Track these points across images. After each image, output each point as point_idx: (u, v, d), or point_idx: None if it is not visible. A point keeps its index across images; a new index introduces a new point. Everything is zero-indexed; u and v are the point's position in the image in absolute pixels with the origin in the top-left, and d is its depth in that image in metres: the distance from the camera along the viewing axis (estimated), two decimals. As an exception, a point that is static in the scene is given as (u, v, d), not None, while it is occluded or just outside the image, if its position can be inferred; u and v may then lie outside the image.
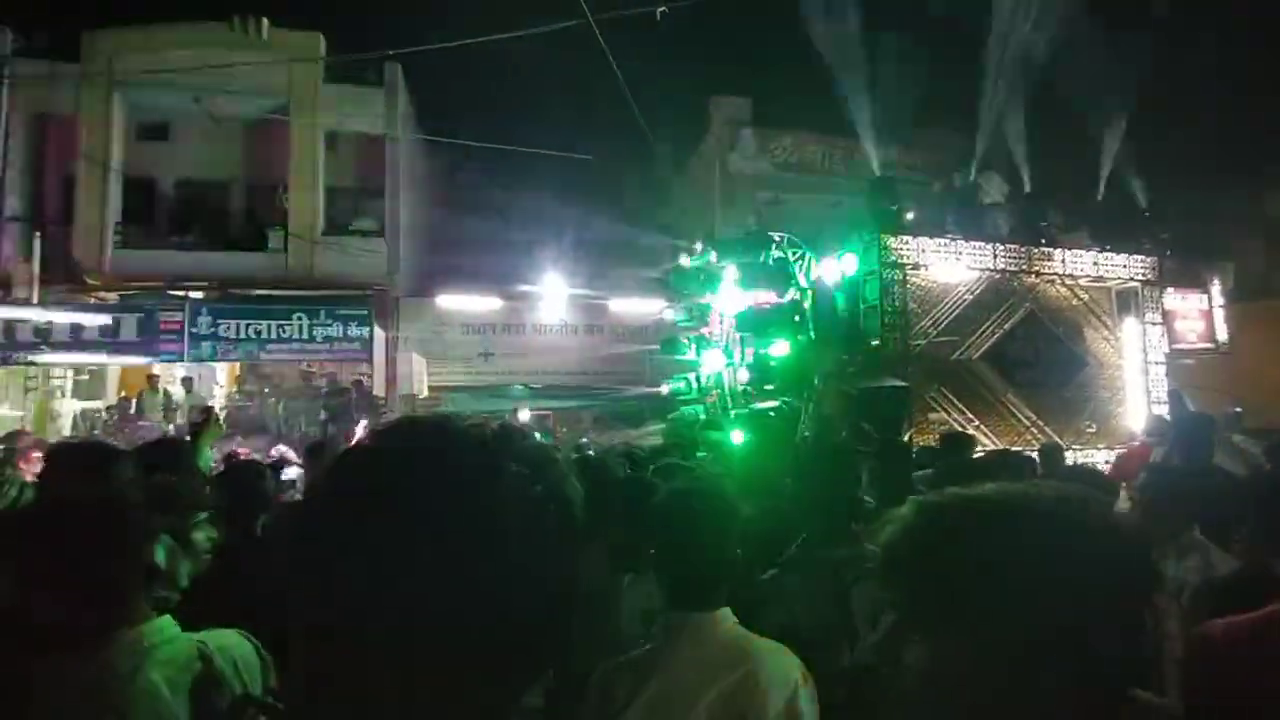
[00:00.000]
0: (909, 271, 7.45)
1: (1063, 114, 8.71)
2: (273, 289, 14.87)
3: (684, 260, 8.71)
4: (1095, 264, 7.38)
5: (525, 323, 16.14)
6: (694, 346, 8.84)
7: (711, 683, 1.36)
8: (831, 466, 2.10)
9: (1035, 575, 0.69)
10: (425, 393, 15.96)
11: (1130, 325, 7.41)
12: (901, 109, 9.48)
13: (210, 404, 14.20)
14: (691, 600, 1.49)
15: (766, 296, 7.63)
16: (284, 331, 14.62)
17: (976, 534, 0.73)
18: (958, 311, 7.49)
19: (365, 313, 15.22)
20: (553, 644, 0.60)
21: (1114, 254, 7.38)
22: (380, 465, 0.58)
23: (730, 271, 8.04)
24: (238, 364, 14.89)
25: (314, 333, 14.97)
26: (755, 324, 7.48)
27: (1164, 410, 6.84)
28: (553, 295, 15.79)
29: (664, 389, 9.47)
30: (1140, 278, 7.40)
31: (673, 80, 15.56)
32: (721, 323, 8.69)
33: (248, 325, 14.41)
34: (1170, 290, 7.43)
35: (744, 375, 7.83)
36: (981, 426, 7.40)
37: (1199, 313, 7.37)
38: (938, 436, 6.06)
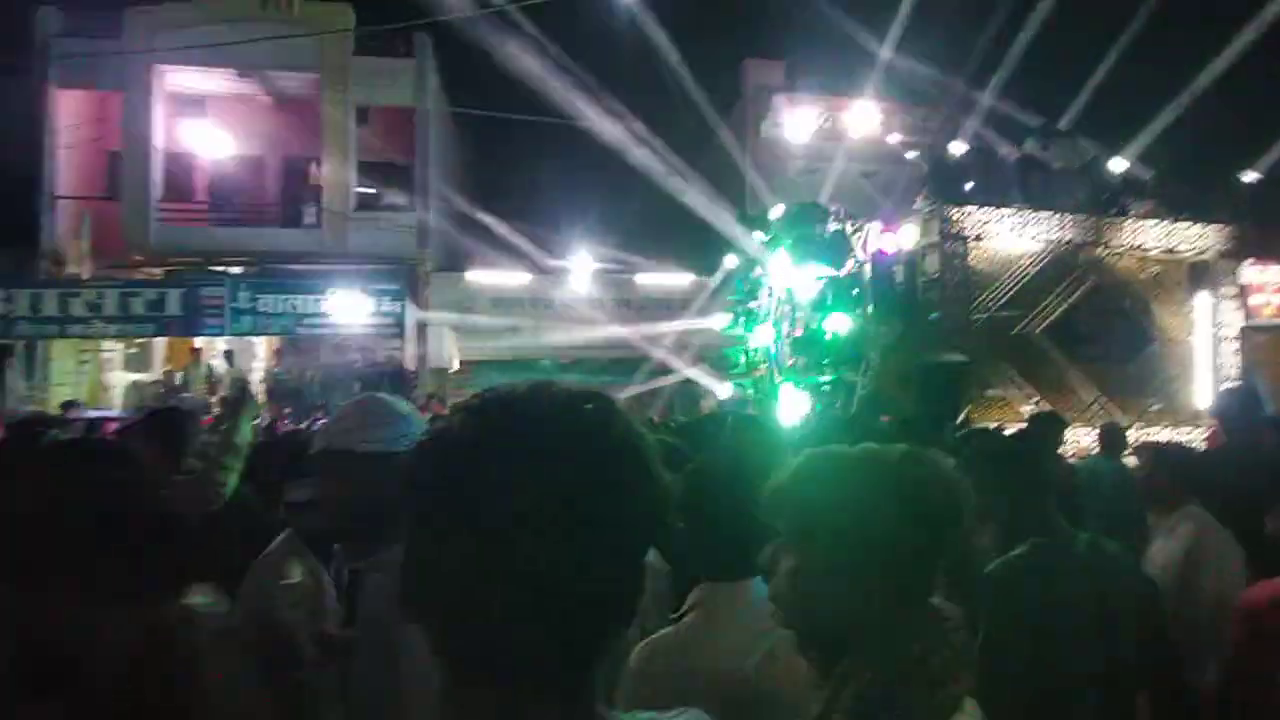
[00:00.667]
0: (971, 244, 7.24)
1: (1139, 71, 8.32)
2: (308, 264, 14.96)
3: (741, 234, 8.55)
4: (1168, 234, 7.09)
5: (554, 297, 16.07)
6: (743, 320, 8.71)
7: (760, 643, 1.34)
8: (851, 437, 1.93)
9: (867, 511, 0.96)
10: (456, 366, 16.04)
11: (1203, 299, 7.14)
12: (953, 71, 9.14)
13: (246, 377, 14.45)
14: (734, 568, 1.44)
15: (822, 269, 7.45)
16: (319, 306, 14.78)
17: (831, 479, 1.02)
18: (1021, 284, 7.27)
19: (397, 287, 15.29)
20: (632, 600, 0.62)
21: (1189, 224, 7.09)
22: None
23: (784, 245, 7.87)
24: (275, 338, 15.07)
25: (348, 307, 15.13)
26: (815, 297, 7.34)
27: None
28: (581, 269, 15.68)
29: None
30: (1217, 249, 7.12)
31: (705, 44, 15.22)
32: (770, 296, 8.54)
33: (285, 300, 14.58)
34: (1250, 261, 7.15)
35: (798, 349, 7.70)
36: (1043, 402, 7.22)
37: (1277, 286, 7.11)
38: (1026, 419, 5.89)
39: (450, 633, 0.60)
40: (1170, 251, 7.17)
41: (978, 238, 7.24)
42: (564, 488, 0.57)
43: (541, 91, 16.50)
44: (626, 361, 15.25)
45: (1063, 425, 4.69)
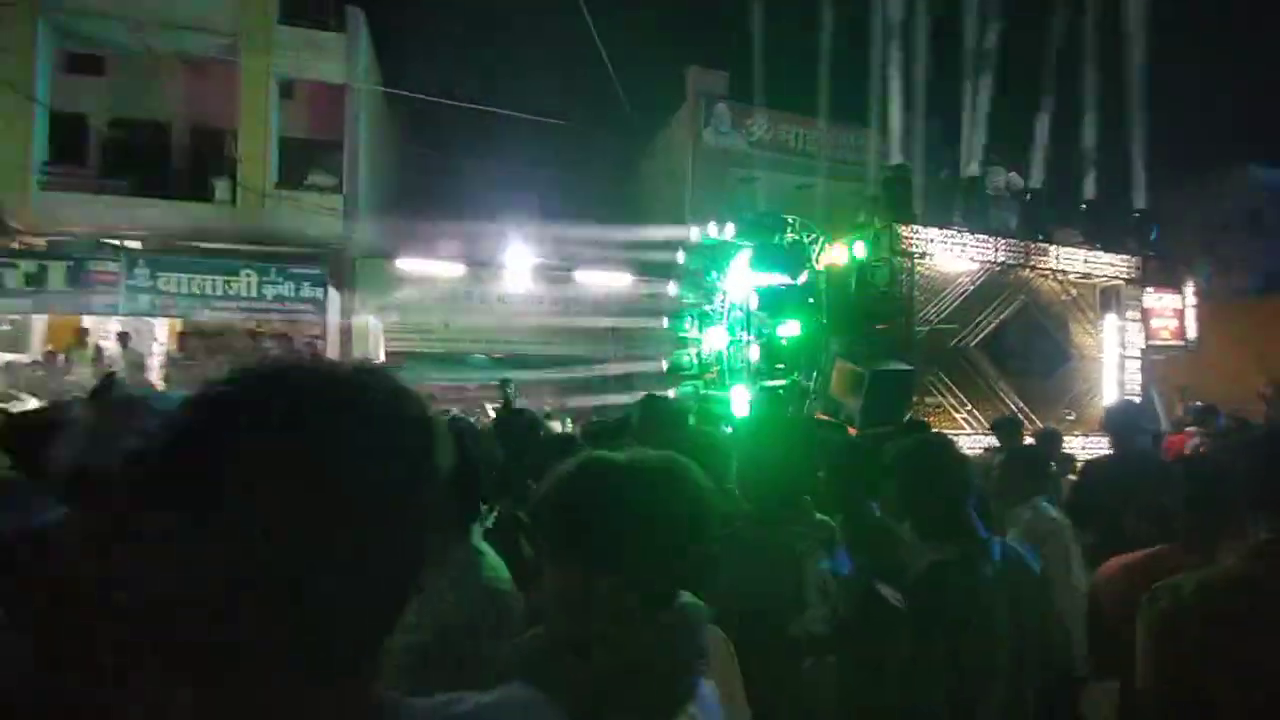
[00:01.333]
0: (916, 260, 7.76)
1: (1061, 110, 9.27)
2: (219, 243, 13.97)
3: (696, 235, 8.73)
4: (1085, 261, 7.89)
5: (489, 290, 15.79)
6: (696, 322, 8.92)
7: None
8: (785, 439, 2.03)
9: (612, 520, 0.99)
10: (382, 358, 15.47)
11: (1110, 321, 7.99)
12: (892, 97, 9.76)
13: (144, 360, 13.34)
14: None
15: (778, 277, 7.76)
16: (231, 288, 13.88)
17: (588, 488, 1.03)
18: (959, 301, 7.87)
19: (319, 272, 14.58)
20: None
21: (1102, 253, 7.92)
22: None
23: (743, 250, 8.13)
24: (180, 321, 14.00)
25: (263, 291, 14.29)
26: (773, 303, 7.63)
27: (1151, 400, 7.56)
28: (518, 264, 15.48)
29: (663, 363, 9.55)
30: (1123, 276, 8.00)
31: (649, 48, 15.40)
32: (724, 300, 8.80)
33: (191, 280, 13.59)
34: (1149, 290, 8.08)
35: (753, 353, 7.97)
36: (974, 411, 7.85)
37: (1173, 311, 8.07)
38: (991, 422, 6.43)
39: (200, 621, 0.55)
40: (1086, 277, 7.97)
41: (923, 255, 7.75)
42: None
43: (482, 80, 16.22)
44: (565, 359, 15.19)
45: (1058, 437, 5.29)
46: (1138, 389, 7.86)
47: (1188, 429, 6.44)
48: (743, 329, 8.47)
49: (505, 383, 9.83)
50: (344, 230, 14.92)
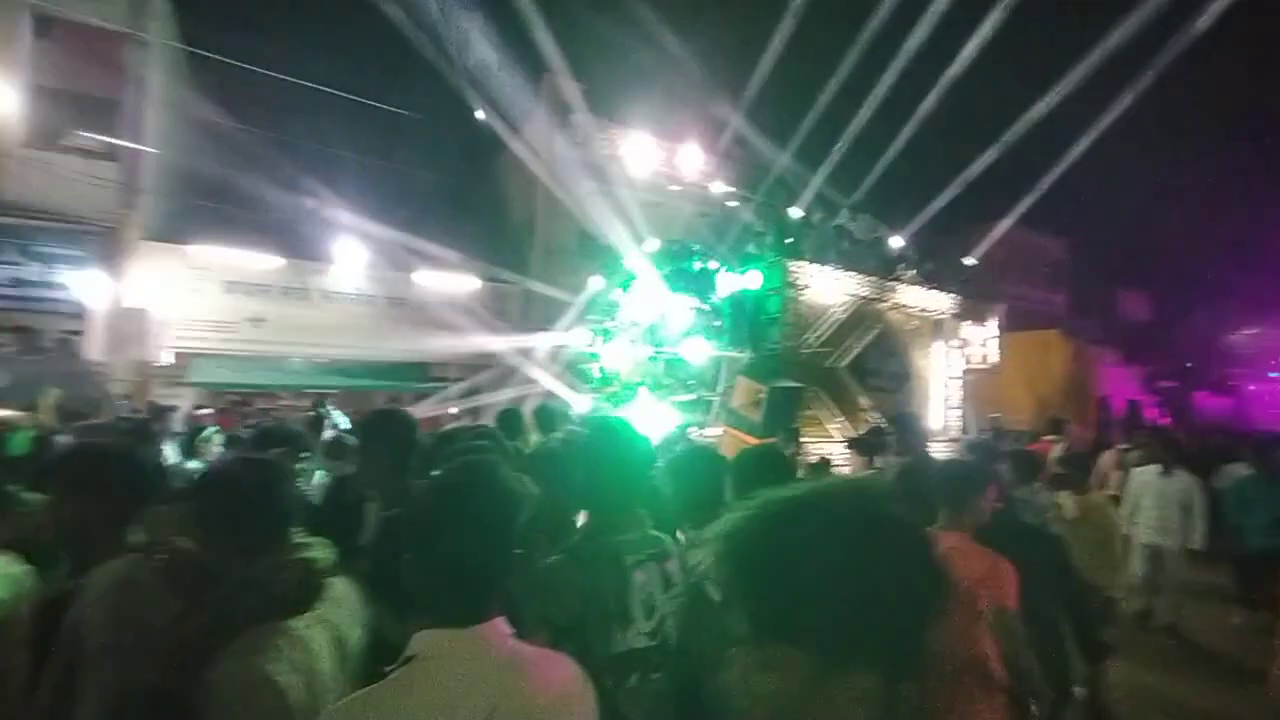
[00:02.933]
0: (801, 291, 8.81)
1: (915, 167, 11.06)
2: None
3: (607, 267, 8.95)
4: (922, 297, 9.58)
5: (311, 287, 14.20)
6: (599, 339, 9.10)
7: (486, 708, 1.14)
8: (619, 452, 1.98)
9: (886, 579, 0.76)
10: (168, 358, 13.19)
11: (939, 348, 9.78)
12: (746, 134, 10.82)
13: None
14: (459, 611, 1.22)
15: (692, 301, 8.31)
16: (-44, 268, 11.04)
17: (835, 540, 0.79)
18: (832, 328, 9.08)
19: (80, 253, 12.14)
20: None
21: (936, 292, 9.67)
22: None
23: (653, 274, 8.53)
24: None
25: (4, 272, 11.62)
26: (683, 326, 8.16)
27: (957, 415, 9.40)
28: (349, 259, 14.15)
29: (576, 379, 9.58)
30: (949, 311, 9.83)
31: (505, 48, 14.84)
32: (628, 318, 9.10)
33: (-104, 254, 10.57)
34: (967, 322, 10.00)
35: (658, 369, 8.43)
36: (844, 422, 9.12)
37: (982, 340, 10.09)
38: (887, 420, 7.51)
39: None
40: (923, 310, 9.67)
41: (805, 287, 8.83)
42: None
43: (322, 59, 14.35)
44: (405, 366, 14.07)
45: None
46: (959, 404, 9.74)
47: (1045, 438, 8.23)
48: (650, 345, 8.86)
49: (320, 404, 9.31)
50: (120, 205, 12.49)
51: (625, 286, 8.94)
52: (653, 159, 14.68)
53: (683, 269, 8.38)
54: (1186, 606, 5.98)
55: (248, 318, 13.77)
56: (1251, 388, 20.58)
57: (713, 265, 8.58)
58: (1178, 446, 6.08)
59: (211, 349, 13.59)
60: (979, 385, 10.77)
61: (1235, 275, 19.03)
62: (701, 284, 8.39)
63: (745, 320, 8.51)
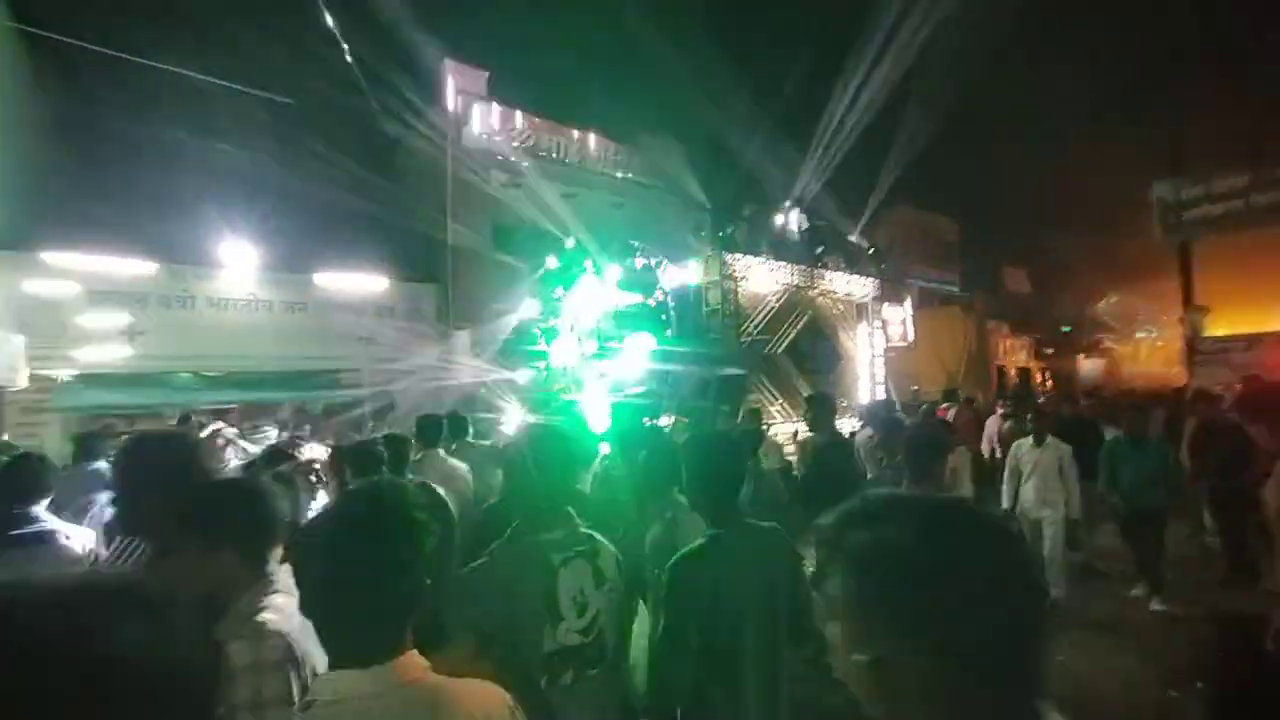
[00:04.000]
0: (739, 282, 9.21)
1: (834, 163, 11.67)
2: None
3: (552, 261, 8.91)
4: (847, 284, 10.21)
5: (195, 294, 13.07)
6: (544, 338, 9.13)
7: None
8: (548, 451, 1.97)
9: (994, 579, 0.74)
10: (23, 382, 11.83)
11: (863, 329, 10.46)
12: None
13: None
14: (362, 651, 1.10)
15: (636, 297, 8.52)
16: None
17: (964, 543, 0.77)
18: (768, 316, 9.54)
19: None
20: None
21: (857, 277, 10.32)
22: None
23: (591, 272, 8.66)
24: None
25: None
26: (630, 321, 8.37)
27: (881, 389, 10.13)
28: (236, 264, 13.10)
29: (519, 377, 9.49)
30: (870, 295, 10.52)
31: (403, 33, 14.18)
32: (570, 317, 9.17)
33: None
34: (886, 304, 10.72)
35: (607, 366, 8.60)
36: (784, 404, 9.63)
37: (900, 320, 10.84)
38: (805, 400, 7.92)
39: None
40: (848, 295, 10.32)
41: (743, 278, 9.24)
42: None
43: (186, 41, 13.17)
44: (311, 375, 13.23)
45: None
46: (882, 380, 10.48)
47: (942, 406, 8.87)
48: (594, 342, 8.98)
49: (186, 418, 8.97)
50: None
51: (568, 284, 9.01)
52: (563, 147, 14.57)
53: (629, 268, 8.55)
54: (1075, 577, 5.72)
55: (120, 331, 12.58)
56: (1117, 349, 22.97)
57: (653, 261, 8.81)
58: (1046, 416, 5.94)
59: (82, 370, 12.29)
60: (899, 361, 11.62)
61: (1098, 249, 21.15)
62: (645, 281, 8.61)
63: (689, 312, 8.81)
